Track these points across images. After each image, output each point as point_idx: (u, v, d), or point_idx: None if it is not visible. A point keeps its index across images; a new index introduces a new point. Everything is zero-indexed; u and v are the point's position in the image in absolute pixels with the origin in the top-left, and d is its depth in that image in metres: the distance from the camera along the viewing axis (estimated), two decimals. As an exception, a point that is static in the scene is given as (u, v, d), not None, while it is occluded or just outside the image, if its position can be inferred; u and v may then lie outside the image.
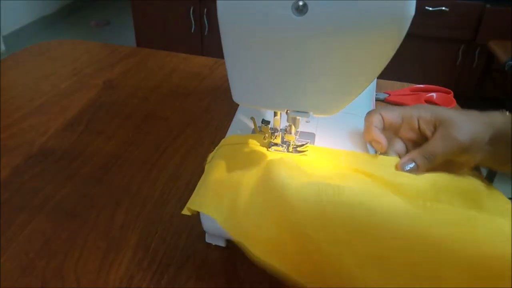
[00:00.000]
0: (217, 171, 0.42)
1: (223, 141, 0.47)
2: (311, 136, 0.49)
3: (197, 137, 0.61)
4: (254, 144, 0.46)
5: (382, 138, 0.44)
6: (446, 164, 0.44)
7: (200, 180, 0.43)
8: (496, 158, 0.45)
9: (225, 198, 0.40)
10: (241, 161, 0.43)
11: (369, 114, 0.46)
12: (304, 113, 0.40)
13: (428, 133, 0.44)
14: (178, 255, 0.43)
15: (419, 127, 0.45)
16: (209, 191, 0.40)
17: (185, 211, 0.40)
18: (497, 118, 0.44)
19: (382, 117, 0.45)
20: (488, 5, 1.95)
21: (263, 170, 0.40)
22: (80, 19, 3.35)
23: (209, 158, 0.46)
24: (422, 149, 0.43)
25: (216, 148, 0.47)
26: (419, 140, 0.46)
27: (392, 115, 0.45)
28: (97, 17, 3.35)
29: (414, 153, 0.43)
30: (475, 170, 0.47)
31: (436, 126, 0.44)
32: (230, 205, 0.39)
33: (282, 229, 0.36)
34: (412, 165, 0.43)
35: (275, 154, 0.45)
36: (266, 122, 0.44)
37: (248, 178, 0.41)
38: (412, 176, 0.42)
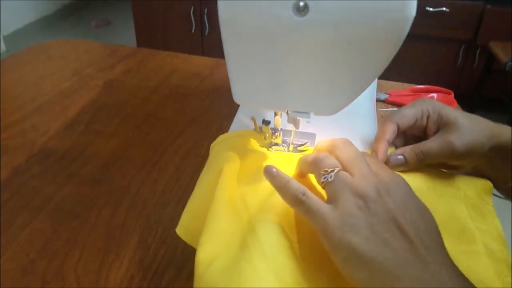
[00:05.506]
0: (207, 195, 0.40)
1: (213, 144, 0.47)
2: (311, 136, 0.49)
3: (198, 138, 0.61)
4: (254, 144, 0.46)
5: (381, 152, 0.43)
6: (439, 165, 0.44)
7: (193, 198, 0.41)
8: (492, 169, 0.45)
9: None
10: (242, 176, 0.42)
11: (385, 123, 0.45)
12: (305, 113, 0.40)
13: (430, 131, 0.44)
14: (179, 255, 0.43)
15: (426, 125, 0.45)
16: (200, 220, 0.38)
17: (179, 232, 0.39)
18: (503, 131, 0.43)
19: (399, 126, 0.44)
20: (488, 6, 1.95)
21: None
22: (80, 19, 3.35)
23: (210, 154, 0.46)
24: (416, 146, 0.43)
25: (211, 148, 0.47)
26: (421, 135, 0.45)
27: (407, 120, 0.45)
28: (97, 17, 3.35)
29: (407, 149, 0.43)
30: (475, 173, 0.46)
31: (439, 126, 0.44)
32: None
33: None
34: (401, 158, 0.42)
35: (276, 154, 0.45)
36: (266, 122, 0.44)
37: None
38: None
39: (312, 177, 0.39)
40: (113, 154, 0.57)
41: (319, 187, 0.36)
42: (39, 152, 0.57)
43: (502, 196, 0.50)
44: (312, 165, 0.37)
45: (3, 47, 2.73)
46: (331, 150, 0.38)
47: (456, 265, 0.31)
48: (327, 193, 0.34)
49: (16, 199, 0.49)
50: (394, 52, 0.34)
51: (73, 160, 0.56)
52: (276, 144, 0.46)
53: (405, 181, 0.35)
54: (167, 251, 0.43)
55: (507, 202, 0.52)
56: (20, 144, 0.59)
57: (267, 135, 0.46)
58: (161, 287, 0.40)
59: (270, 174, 0.36)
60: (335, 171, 0.34)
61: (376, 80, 0.66)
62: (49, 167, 0.54)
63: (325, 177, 0.34)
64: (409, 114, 0.45)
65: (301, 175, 0.40)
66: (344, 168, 0.35)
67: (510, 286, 0.36)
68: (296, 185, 0.34)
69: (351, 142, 0.38)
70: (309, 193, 0.34)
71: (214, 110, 0.68)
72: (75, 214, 0.47)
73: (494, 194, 0.48)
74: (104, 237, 0.45)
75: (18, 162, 0.55)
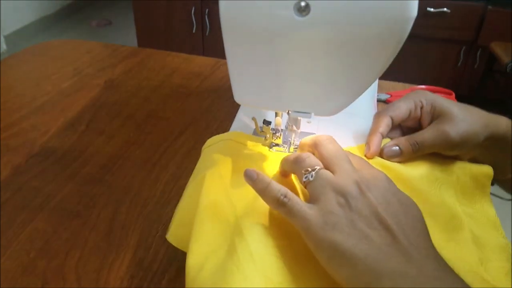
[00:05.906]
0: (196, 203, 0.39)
1: (203, 147, 0.47)
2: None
3: (198, 137, 0.61)
4: (243, 146, 0.46)
5: (374, 145, 0.44)
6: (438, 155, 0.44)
7: (182, 203, 0.42)
8: (489, 160, 0.45)
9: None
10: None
11: (378, 117, 0.45)
12: (305, 113, 0.40)
13: (424, 122, 0.44)
14: (179, 255, 0.43)
15: (420, 116, 0.45)
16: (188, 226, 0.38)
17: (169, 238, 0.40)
18: (500, 121, 0.43)
19: (393, 119, 0.45)
20: (489, 7, 1.95)
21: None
22: (81, 19, 3.35)
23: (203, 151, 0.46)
24: (410, 137, 0.43)
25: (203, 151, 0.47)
26: (416, 127, 0.46)
27: (401, 113, 0.45)
28: (98, 17, 3.36)
29: (402, 139, 0.43)
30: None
31: (433, 117, 0.44)
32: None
33: None
34: (395, 148, 0.42)
35: (276, 155, 0.45)
36: (267, 122, 0.44)
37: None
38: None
39: (295, 176, 0.38)
40: (114, 153, 0.57)
41: (302, 187, 0.36)
42: (40, 151, 0.57)
43: (501, 196, 0.50)
44: (294, 165, 0.36)
45: (4, 47, 2.73)
46: (314, 147, 0.38)
47: (444, 253, 0.30)
48: (309, 192, 0.34)
49: (17, 198, 0.49)
50: (395, 53, 0.34)
51: (73, 160, 0.56)
52: (276, 145, 0.46)
53: (388, 177, 0.34)
54: (168, 251, 0.43)
55: (507, 202, 0.52)
56: (21, 144, 0.59)
57: (268, 135, 0.46)
58: (161, 287, 0.40)
59: (251, 178, 0.35)
60: (316, 170, 0.34)
61: (377, 80, 0.66)
62: (50, 166, 0.54)
63: (306, 177, 0.34)
64: (402, 107, 0.45)
65: (285, 175, 0.40)
66: (326, 166, 0.35)
67: (493, 271, 0.35)
68: (277, 187, 0.34)
69: (334, 139, 0.38)
70: (291, 194, 0.33)
71: (214, 110, 0.68)
72: (76, 214, 0.47)
73: (492, 194, 0.48)
74: (105, 236, 0.44)
75: (19, 161, 0.55)
